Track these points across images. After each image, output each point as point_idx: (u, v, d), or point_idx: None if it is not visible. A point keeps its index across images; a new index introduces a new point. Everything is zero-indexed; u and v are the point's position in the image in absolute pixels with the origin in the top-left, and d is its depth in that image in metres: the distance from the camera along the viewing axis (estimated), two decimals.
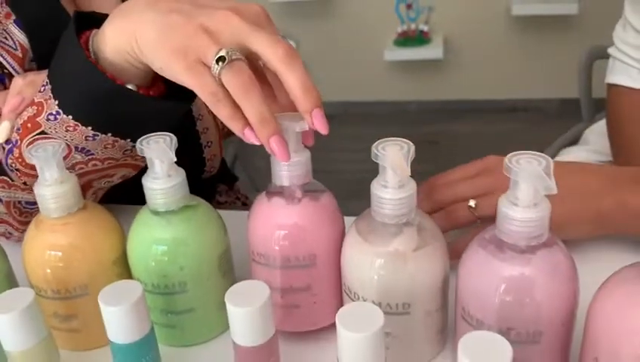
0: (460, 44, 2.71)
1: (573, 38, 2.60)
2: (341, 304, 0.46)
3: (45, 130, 0.48)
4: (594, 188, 0.53)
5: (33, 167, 0.48)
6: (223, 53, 0.41)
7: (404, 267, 0.41)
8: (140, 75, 0.47)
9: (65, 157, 0.48)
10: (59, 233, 0.45)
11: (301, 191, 0.44)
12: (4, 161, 0.52)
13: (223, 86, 0.41)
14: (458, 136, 2.63)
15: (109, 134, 0.48)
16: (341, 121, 2.87)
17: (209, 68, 0.41)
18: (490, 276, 0.39)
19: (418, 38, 2.66)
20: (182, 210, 0.45)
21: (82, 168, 0.51)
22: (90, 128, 0.47)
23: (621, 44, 0.73)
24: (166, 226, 0.45)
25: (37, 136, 0.49)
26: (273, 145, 0.40)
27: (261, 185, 1.25)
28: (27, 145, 0.49)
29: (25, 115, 0.50)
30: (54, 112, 0.48)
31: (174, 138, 0.43)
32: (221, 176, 0.84)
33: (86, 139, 0.48)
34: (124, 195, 0.61)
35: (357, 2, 2.74)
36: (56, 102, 0.47)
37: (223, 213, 0.49)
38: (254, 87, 0.41)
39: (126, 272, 0.47)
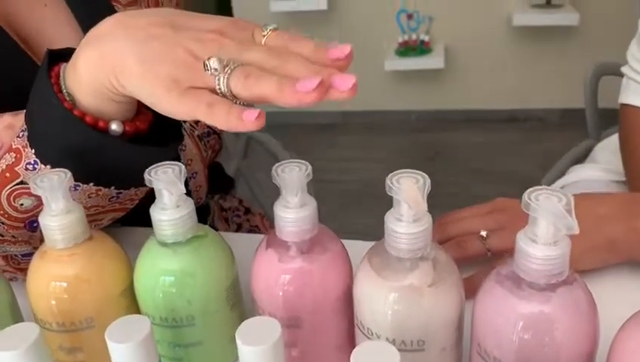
0: (461, 54, 2.72)
1: (574, 49, 2.61)
2: (351, 343, 0.45)
3: (24, 180, 0.46)
4: (606, 215, 0.52)
5: (18, 219, 0.47)
6: (227, 62, 0.38)
7: (420, 302, 0.40)
8: (124, 109, 0.45)
9: None
10: (64, 264, 0.44)
11: (307, 245, 0.43)
12: None
13: (216, 95, 0.38)
14: (459, 146, 2.62)
15: (92, 184, 0.46)
16: (341, 131, 2.87)
17: (203, 89, 0.39)
18: (508, 313, 0.38)
19: (419, 48, 2.67)
20: (190, 240, 0.44)
21: None
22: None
23: (636, 63, 0.72)
24: (173, 257, 0.44)
25: (16, 187, 0.46)
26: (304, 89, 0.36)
27: (263, 198, 1.24)
28: (7, 197, 0.46)
29: (3, 164, 0.47)
30: (32, 161, 0.45)
31: (183, 168, 0.42)
32: (218, 184, 0.82)
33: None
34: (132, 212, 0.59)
35: (358, 12, 2.74)
36: (33, 150, 0.45)
37: (230, 236, 0.48)
38: (266, 74, 0.38)
39: (133, 304, 0.46)
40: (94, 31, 0.43)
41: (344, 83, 0.36)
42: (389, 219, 0.39)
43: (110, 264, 0.46)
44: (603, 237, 0.51)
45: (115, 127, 0.45)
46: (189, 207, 0.43)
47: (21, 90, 0.47)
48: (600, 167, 0.83)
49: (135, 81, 0.40)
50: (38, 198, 0.44)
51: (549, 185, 0.93)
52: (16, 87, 0.48)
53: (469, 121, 2.75)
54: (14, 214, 0.48)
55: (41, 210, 0.44)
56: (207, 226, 0.46)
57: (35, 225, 0.49)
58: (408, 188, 0.38)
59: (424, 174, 0.39)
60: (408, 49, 2.68)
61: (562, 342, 0.36)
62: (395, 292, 0.40)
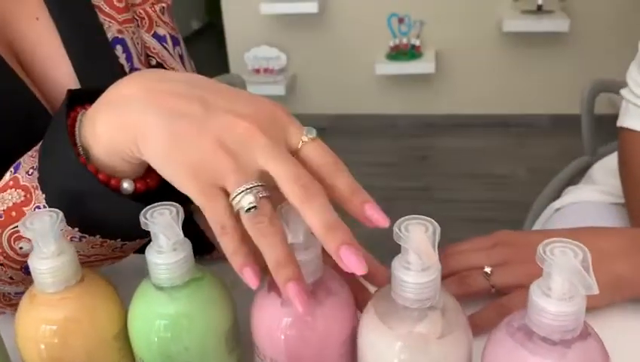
0: (452, 59, 2.72)
1: (564, 55, 2.62)
2: None
3: None
4: (611, 251, 0.51)
5: (17, 261, 0.45)
6: (250, 200, 0.36)
7: (428, 354, 0.38)
8: (136, 168, 0.43)
9: None
10: (55, 307, 0.42)
11: (311, 289, 0.41)
12: None
13: (232, 217, 0.37)
14: (449, 150, 2.62)
15: (98, 236, 0.44)
16: (332, 134, 2.85)
17: (223, 191, 0.38)
18: None
19: (410, 53, 2.66)
20: (187, 283, 0.42)
21: None
22: (76, 230, 0.44)
23: (636, 87, 0.71)
24: (169, 301, 0.42)
25: (17, 229, 0.44)
26: (289, 291, 0.36)
27: None
28: (8, 238, 0.44)
29: (10, 201, 0.44)
30: (41, 206, 0.44)
31: (181, 209, 0.40)
32: None
33: (71, 240, 0.44)
34: None
35: (349, 16, 2.73)
36: (44, 195, 0.43)
37: (226, 271, 0.46)
38: (275, 233, 0.37)
39: (126, 347, 0.44)
40: (116, 90, 0.42)
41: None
42: (396, 266, 0.38)
43: (103, 306, 0.43)
44: (608, 275, 0.50)
45: (126, 185, 0.44)
46: (185, 249, 0.41)
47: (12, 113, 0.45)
48: (598, 189, 0.82)
49: (159, 157, 0.39)
50: None
51: (545, 204, 0.92)
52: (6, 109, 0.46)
53: (459, 125, 2.75)
54: (13, 256, 0.46)
55: None
56: (204, 268, 0.44)
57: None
58: (418, 239, 0.36)
59: (433, 221, 0.37)
60: (399, 53, 2.67)
61: None
62: (402, 342, 0.38)
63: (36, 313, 0.42)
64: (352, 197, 0.38)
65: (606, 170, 0.86)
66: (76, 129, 0.43)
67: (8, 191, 0.45)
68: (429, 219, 0.38)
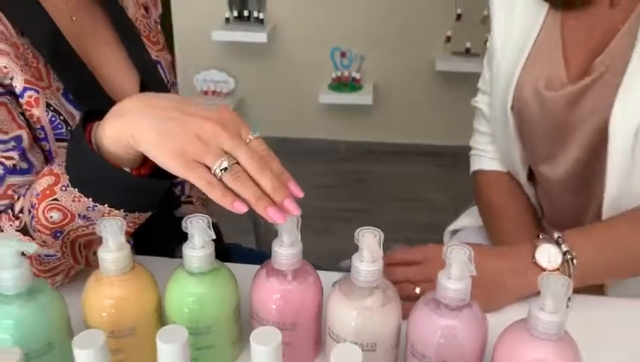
0: (389, 92, 2.97)
1: None
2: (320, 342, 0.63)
3: (57, 198, 0.62)
4: (497, 267, 0.72)
5: (48, 228, 0.62)
6: (225, 164, 0.56)
7: (374, 317, 0.58)
8: (132, 160, 0.62)
9: (69, 222, 0.63)
10: (114, 287, 0.59)
11: (293, 273, 0.61)
12: (29, 223, 0.65)
13: (214, 176, 0.56)
14: (384, 175, 2.86)
15: (106, 205, 0.62)
16: (276, 156, 3.05)
17: (202, 165, 0.56)
18: (431, 325, 0.57)
19: (350, 85, 2.89)
20: (210, 271, 0.60)
21: (84, 231, 0.65)
22: (90, 200, 0.62)
23: (479, 136, 1.02)
24: (198, 283, 0.60)
25: (51, 202, 0.62)
26: (269, 213, 0.55)
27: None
28: (43, 209, 0.62)
29: (45, 183, 0.63)
30: (65, 184, 0.62)
31: (210, 219, 0.59)
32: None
33: (87, 209, 0.62)
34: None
35: (296, 47, 2.93)
36: (67, 177, 0.62)
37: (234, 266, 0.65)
38: (247, 178, 0.56)
39: (161, 317, 0.62)
40: (120, 106, 0.61)
41: (292, 210, 0.57)
42: (355, 259, 0.58)
43: (146, 288, 0.61)
44: (498, 286, 0.72)
45: (127, 170, 0.62)
46: (211, 248, 0.60)
47: (91, 111, 0.64)
48: (476, 213, 1.05)
49: (151, 147, 0.58)
50: (64, 214, 0.62)
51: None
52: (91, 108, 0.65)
53: (394, 153, 3.00)
54: (45, 223, 0.63)
55: (65, 224, 0.62)
56: (221, 262, 0.63)
57: (57, 234, 0.65)
58: (369, 240, 0.57)
59: (379, 230, 0.58)
60: (341, 84, 2.90)
61: (465, 343, 0.56)
62: (357, 311, 0.59)
63: (101, 291, 0.60)
64: (281, 176, 0.58)
65: None
66: (92, 134, 0.62)
67: (45, 177, 0.63)
68: (376, 228, 0.58)
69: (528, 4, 0.87)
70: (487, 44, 0.97)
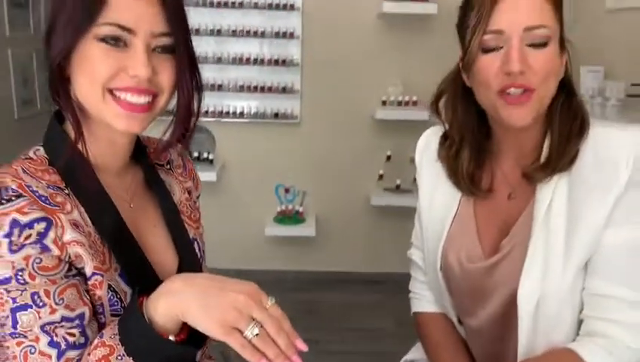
0: (330, 225, 3.19)
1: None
2: None
3: None
4: None
5: None
6: (256, 331, 0.71)
7: None
8: (175, 328, 0.76)
9: None
10: None
11: None
12: None
13: (246, 340, 0.72)
14: (330, 305, 2.96)
15: None
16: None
17: (238, 330, 0.71)
18: None
19: (294, 218, 3.09)
20: None
21: None
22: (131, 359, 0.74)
23: (416, 282, 1.18)
24: None
25: None
26: None
27: None
28: None
29: (99, 354, 0.73)
30: (121, 354, 0.74)
31: None
32: None
33: None
34: None
35: (243, 184, 3.15)
36: (123, 347, 0.74)
37: None
38: (273, 344, 0.72)
39: None
40: (168, 285, 0.75)
41: None
42: None
43: None
44: None
45: (172, 338, 0.76)
46: None
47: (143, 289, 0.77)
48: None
49: (196, 318, 0.73)
50: None
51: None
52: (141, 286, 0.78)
53: (338, 281, 3.16)
54: None
55: None
56: None
57: None
58: None
59: None
60: (285, 217, 3.09)
61: None
62: None
63: None
64: (291, 335, 0.73)
65: None
66: (144, 307, 0.75)
67: (98, 348, 0.75)
68: None
69: (449, 184, 1.05)
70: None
